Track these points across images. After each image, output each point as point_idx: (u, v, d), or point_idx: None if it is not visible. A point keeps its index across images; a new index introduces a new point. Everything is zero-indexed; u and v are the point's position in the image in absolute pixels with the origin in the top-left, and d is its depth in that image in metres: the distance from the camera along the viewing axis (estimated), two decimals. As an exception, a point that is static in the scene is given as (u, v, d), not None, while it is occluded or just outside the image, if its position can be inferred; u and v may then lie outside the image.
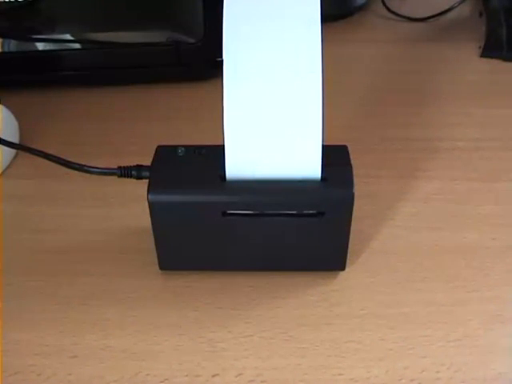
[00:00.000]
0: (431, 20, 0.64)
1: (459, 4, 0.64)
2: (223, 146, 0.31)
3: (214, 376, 0.30)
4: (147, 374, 0.30)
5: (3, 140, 0.38)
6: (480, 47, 0.57)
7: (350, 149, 0.33)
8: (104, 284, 0.35)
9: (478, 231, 0.38)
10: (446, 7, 0.64)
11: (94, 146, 0.46)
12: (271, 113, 0.30)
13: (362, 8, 0.66)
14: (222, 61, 0.30)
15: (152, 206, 0.31)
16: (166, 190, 0.31)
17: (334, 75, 0.47)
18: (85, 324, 0.32)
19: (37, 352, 0.31)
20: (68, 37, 0.51)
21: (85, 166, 0.34)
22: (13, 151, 0.44)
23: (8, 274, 0.35)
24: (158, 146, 0.33)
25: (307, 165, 0.31)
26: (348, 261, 0.34)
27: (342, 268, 0.34)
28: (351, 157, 0.32)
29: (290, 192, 0.31)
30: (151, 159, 0.33)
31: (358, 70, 0.56)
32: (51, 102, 0.51)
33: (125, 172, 0.34)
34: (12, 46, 0.51)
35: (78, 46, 0.52)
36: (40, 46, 0.51)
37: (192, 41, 0.51)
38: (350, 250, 0.33)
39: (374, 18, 0.65)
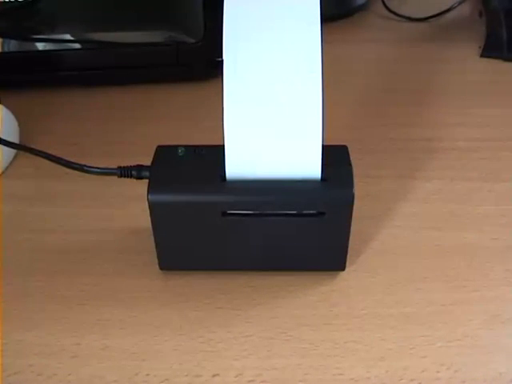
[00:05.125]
0: (431, 20, 0.64)
1: (459, 4, 0.64)
2: (223, 145, 0.31)
3: (214, 376, 0.30)
4: (147, 374, 0.30)
5: (3, 140, 0.38)
6: (480, 47, 0.57)
7: (349, 149, 0.33)
8: (104, 284, 0.35)
9: (478, 231, 0.38)
10: (446, 7, 0.64)
11: (94, 145, 0.46)
12: (271, 113, 0.30)
13: (362, 8, 0.66)
14: (222, 61, 0.30)
15: (152, 206, 0.31)
16: (166, 190, 0.31)
17: (334, 75, 0.47)
18: (85, 324, 0.32)
19: (37, 352, 0.31)
20: (68, 37, 0.51)
21: (85, 165, 0.34)
22: (13, 151, 0.44)
23: (8, 274, 0.35)
24: (158, 146, 0.33)
25: (307, 165, 0.31)
26: (348, 261, 0.34)
27: (342, 268, 0.34)
28: (351, 157, 0.32)
29: (290, 192, 0.31)
30: (151, 159, 0.33)
31: (358, 70, 0.56)
32: (51, 102, 0.51)
33: (125, 172, 0.34)
34: (12, 45, 0.51)
35: (78, 45, 0.52)
36: (40, 45, 0.51)
37: (192, 41, 0.51)
38: (350, 249, 0.33)
39: (374, 17, 0.65)
